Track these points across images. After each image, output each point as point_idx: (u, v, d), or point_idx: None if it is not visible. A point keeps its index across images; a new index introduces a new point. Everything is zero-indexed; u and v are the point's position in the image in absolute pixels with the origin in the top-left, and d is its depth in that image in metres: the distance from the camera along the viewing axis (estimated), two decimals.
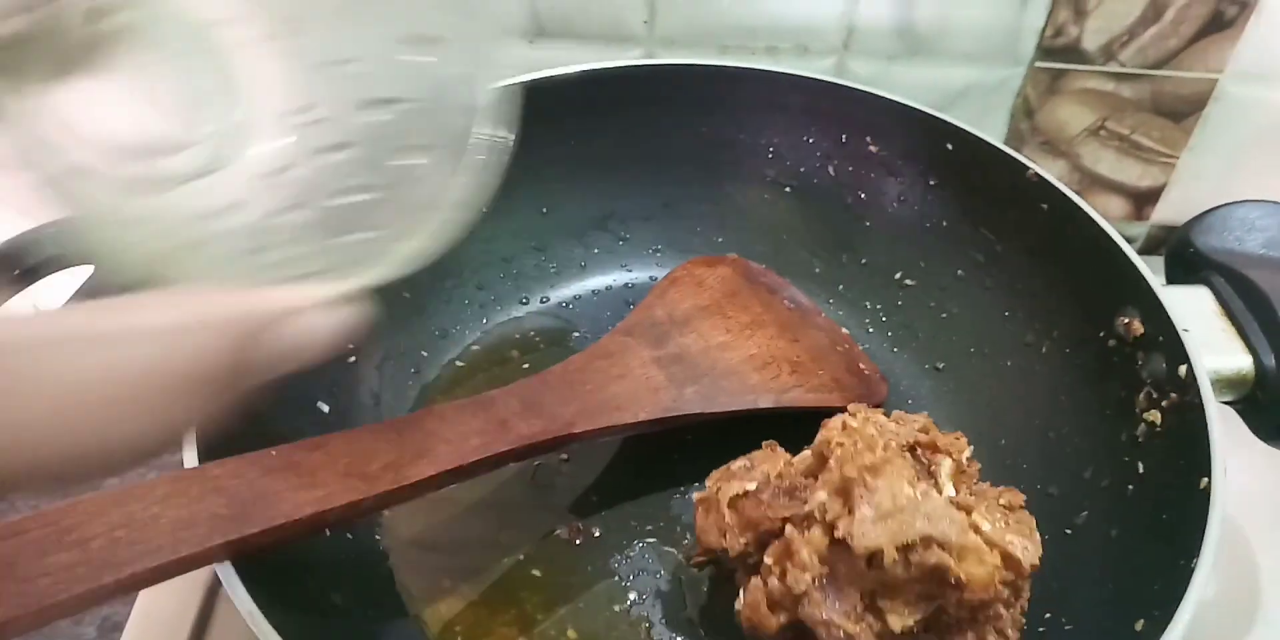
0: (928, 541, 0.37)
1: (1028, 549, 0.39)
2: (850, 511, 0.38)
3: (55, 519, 0.32)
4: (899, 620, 0.38)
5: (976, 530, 0.38)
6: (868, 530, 0.37)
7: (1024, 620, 0.41)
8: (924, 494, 0.38)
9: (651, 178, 0.63)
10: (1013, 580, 0.39)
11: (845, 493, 0.39)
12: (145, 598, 0.54)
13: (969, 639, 0.40)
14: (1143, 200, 0.75)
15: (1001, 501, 0.41)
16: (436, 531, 0.51)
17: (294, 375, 0.50)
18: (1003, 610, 0.39)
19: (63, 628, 0.62)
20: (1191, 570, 0.38)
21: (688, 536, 0.50)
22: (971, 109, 0.69)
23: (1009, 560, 0.38)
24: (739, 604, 0.42)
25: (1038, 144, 0.72)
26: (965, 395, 0.57)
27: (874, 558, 0.37)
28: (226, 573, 0.37)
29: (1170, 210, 0.75)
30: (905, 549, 0.36)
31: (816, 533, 0.39)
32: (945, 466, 0.41)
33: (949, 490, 0.40)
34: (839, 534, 0.38)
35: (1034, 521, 0.41)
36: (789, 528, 0.40)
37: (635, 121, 0.61)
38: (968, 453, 0.43)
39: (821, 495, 0.39)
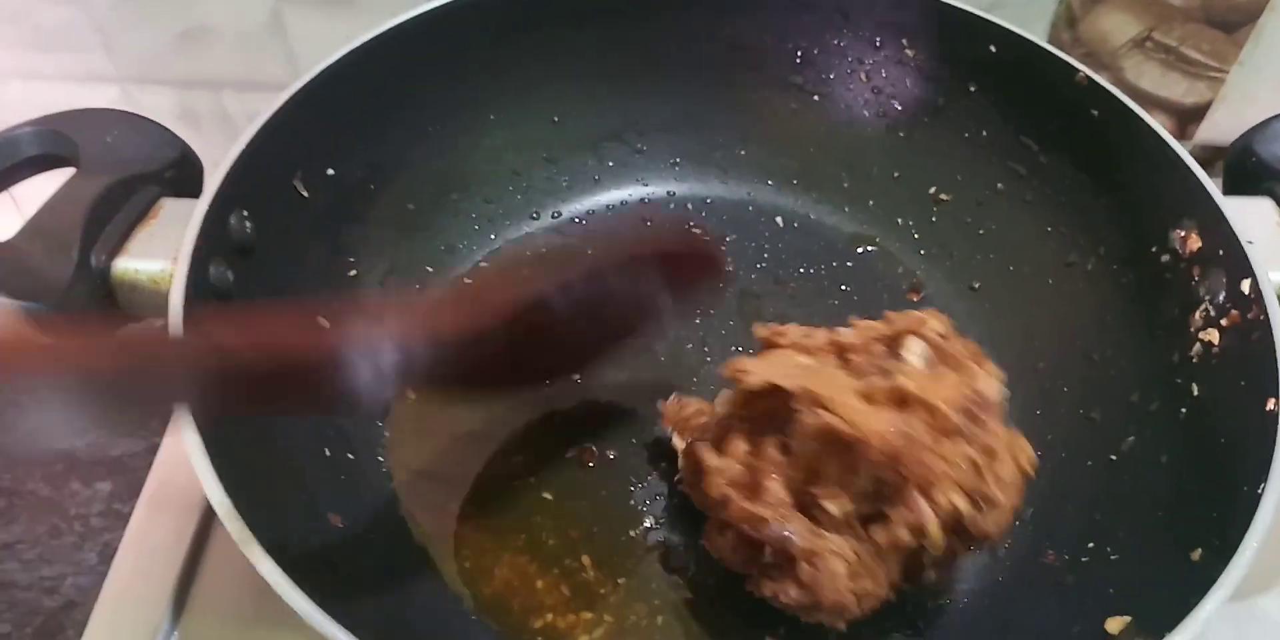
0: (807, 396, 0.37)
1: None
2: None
3: None
4: (836, 505, 0.37)
5: (869, 398, 0.37)
6: (753, 368, 0.39)
7: (1006, 477, 0.38)
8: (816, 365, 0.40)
9: (670, 85, 0.59)
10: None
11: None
12: (138, 523, 0.52)
13: (912, 503, 0.37)
14: (1187, 118, 0.72)
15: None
16: (443, 454, 0.49)
17: (289, 290, 0.48)
18: (929, 457, 0.36)
19: (66, 554, 0.61)
20: (1258, 496, 0.36)
21: None
22: (1010, 17, 0.64)
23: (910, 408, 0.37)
24: None
25: (1079, 56, 0.67)
26: (1003, 316, 0.54)
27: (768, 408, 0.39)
28: (218, 496, 0.35)
29: (1215, 129, 0.71)
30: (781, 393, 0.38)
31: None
32: (914, 346, 0.40)
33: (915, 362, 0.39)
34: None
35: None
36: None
37: (653, 23, 0.57)
38: (938, 328, 0.41)
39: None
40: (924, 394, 0.37)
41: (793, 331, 0.42)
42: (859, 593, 0.38)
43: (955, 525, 0.37)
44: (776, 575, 0.39)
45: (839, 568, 0.37)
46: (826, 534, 0.38)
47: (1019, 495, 0.38)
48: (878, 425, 0.36)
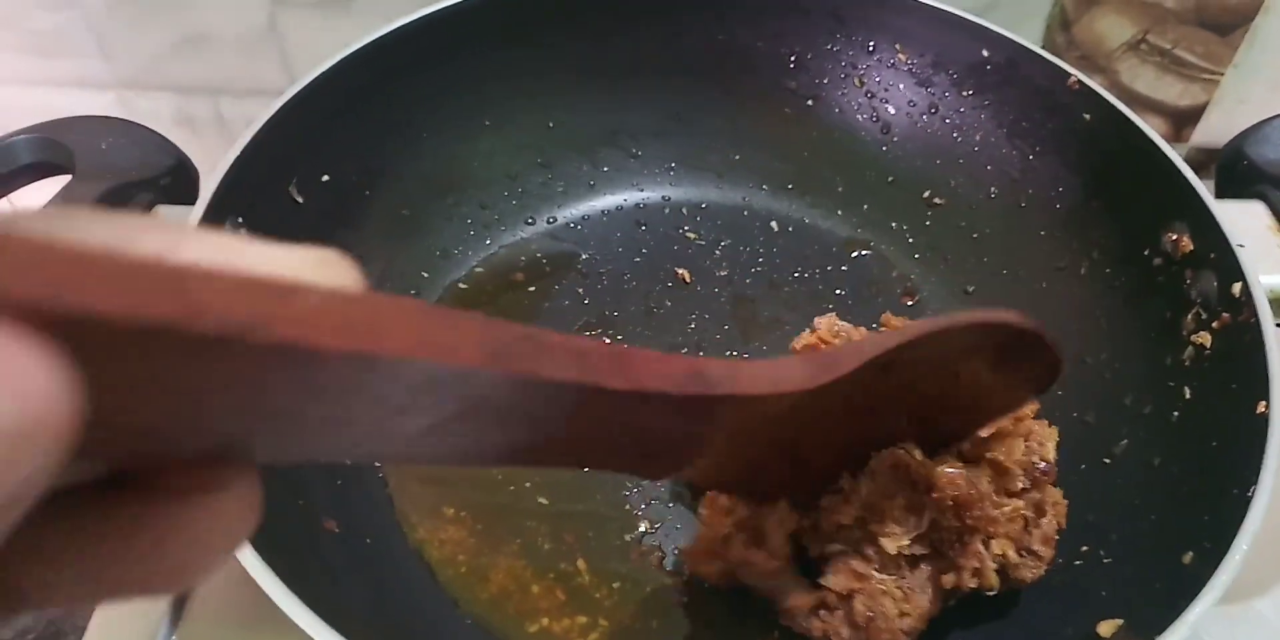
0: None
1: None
2: None
3: None
4: (893, 542, 0.38)
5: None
6: None
7: (1049, 533, 0.40)
8: None
9: (664, 90, 0.60)
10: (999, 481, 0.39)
11: None
12: None
13: (974, 550, 0.38)
14: (1182, 120, 0.72)
15: None
16: None
17: None
18: (994, 511, 0.38)
19: None
20: (1248, 499, 0.36)
21: None
22: (1004, 20, 0.64)
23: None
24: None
25: (1074, 58, 0.68)
26: None
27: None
28: None
29: (1210, 132, 0.71)
30: None
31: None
32: None
33: None
34: None
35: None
36: None
37: (647, 28, 0.58)
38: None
39: None
40: (997, 456, 0.39)
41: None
42: (907, 630, 0.38)
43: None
44: (826, 615, 0.39)
45: (890, 608, 0.38)
46: (875, 573, 0.38)
47: (1055, 550, 0.40)
48: (949, 470, 0.38)
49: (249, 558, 0.34)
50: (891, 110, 0.58)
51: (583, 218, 0.60)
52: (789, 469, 0.38)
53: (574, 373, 0.21)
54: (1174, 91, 0.70)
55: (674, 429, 0.27)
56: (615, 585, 0.45)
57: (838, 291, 0.56)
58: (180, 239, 0.16)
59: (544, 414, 0.23)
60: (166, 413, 0.16)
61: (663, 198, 0.61)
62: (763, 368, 0.27)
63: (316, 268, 0.18)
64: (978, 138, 0.56)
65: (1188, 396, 0.44)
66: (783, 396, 0.28)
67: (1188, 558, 0.37)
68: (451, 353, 0.18)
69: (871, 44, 0.57)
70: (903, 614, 0.38)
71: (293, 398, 0.17)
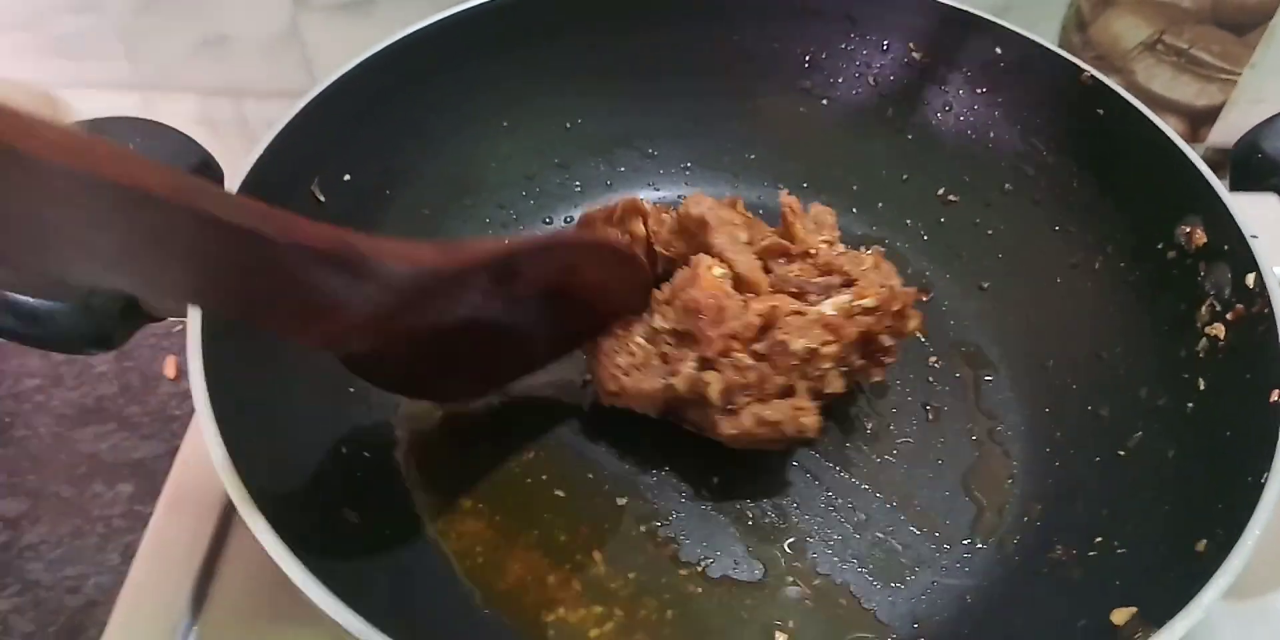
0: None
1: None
2: None
3: None
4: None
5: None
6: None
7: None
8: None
9: (680, 91, 0.60)
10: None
11: None
12: (158, 523, 0.52)
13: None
14: (1199, 120, 0.72)
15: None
16: (455, 451, 0.49)
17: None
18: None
19: (88, 554, 0.62)
20: (1261, 486, 0.36)
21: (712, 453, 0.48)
22: (1020, 20, 0.64)
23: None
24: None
25: (1090, 59, 0.68)
26: (1012, 315, 0.54)
27: None
28: (237, 491, 0.36)
29: (1228, 132, 0.71)
30: None
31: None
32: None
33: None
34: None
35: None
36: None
37: (663, 30, 0.58)
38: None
39: None
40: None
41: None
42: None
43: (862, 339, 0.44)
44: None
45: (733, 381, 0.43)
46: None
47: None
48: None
49: (273, 544, 0.35)
50: (905, 107, 0.58)
51: None
52: (470, 365, 0.44)
53: (245, 221, 0.28)
54: (1190, 91, 0.70)
55: (329, 288, 0.33)
56: (631, 576, 0.45)
57: None
58: None
59: (219, 256, 0.30)
60: None
61: (679, 197, 0.61)
62: (400, 244, 0.34)
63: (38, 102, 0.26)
64: (991, 135, 0.56)
65: (1201, 388, 0.43)
66: (417, 274, 0.34)
67: (1201, 546, 0.37)
68: (141, 180, 0.26)
69: (885, 43, 0.57)
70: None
71: (23, 201, 0.25)
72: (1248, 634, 0.46)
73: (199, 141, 0.51)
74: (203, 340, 0.40)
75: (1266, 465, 0.36)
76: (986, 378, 0.53)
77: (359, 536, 0.43)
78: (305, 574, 0.34)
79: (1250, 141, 0.49)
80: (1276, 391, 0.39)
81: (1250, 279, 0.42)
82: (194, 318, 0.40)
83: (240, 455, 0.37)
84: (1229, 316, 0.43)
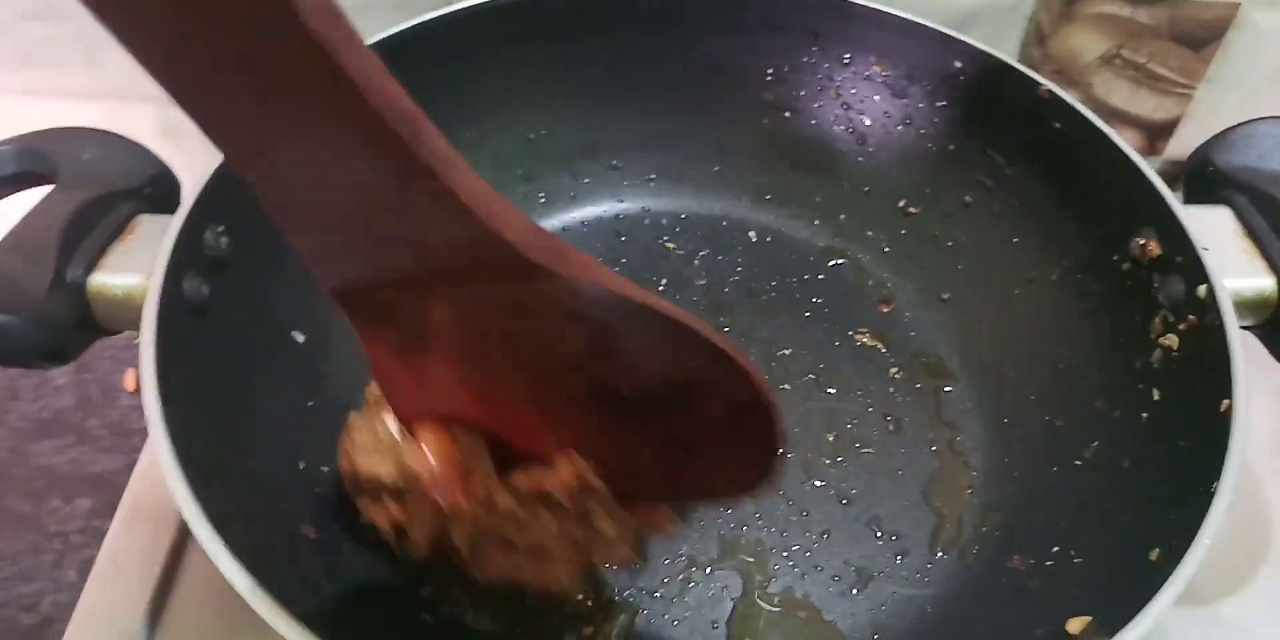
0: None
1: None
2: None
3: None
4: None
5: None
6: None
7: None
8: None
9: (644, 103, 0.60)
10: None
11: None
12: (114, 539, 0.52)
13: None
14: (1156, 133, 0.73)
15: None
16: None
17: (266, 305, 0.48)
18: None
19: (44, 571, 0.61)
20: (1211, 495, 0.36)
21: None
22: (980, 35, 0.65)
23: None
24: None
25: (1049, 73, 0.69)
26: (972, 326, 0.55)
27: None
28: (190, 507, 0.35)
29: (1185, 145, 0.72)
30: None
31: None
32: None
33: None
34: None
35: None
36: None
37: (626, 43, 0.58)
38: None
39: None
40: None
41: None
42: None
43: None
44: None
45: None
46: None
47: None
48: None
49: (226, 563, 0.34)
50: (867, 121, 0.59)
51: (563, 229, 0.61)
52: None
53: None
54: (1148, 105, 0.71)
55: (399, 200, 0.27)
56: (590, 589, 0.45)
57: (814, 300, 0.57)
58: None
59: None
60: None
61: (642, 209, 0.61)
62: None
63: None
64: (951, 148, 0.56)
65: (1156, 398, 0.44)
66: (501, 252, 0.27)
67: (1155, 554, 0.37)
68: None
69: (847, 57, 0.58)
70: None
71: None
72: (1204, 638, 0.46)
73: (162, 152, 0.50)
74: (157, 354, 0.39)
75: (1217, 474, 0.37)
76: (946, 388, 0.53)
77: (317, 553, 0.43)
78: (259, 592, 0.34)
79: (1203, 155, 0.50)
80: (1227, 402, 0.39)
81: (1202, 290, 0.43)
82: (147, 331, 0.40)
83: (195, 470, 0.36)
84: (1181, 328, 0.44)
